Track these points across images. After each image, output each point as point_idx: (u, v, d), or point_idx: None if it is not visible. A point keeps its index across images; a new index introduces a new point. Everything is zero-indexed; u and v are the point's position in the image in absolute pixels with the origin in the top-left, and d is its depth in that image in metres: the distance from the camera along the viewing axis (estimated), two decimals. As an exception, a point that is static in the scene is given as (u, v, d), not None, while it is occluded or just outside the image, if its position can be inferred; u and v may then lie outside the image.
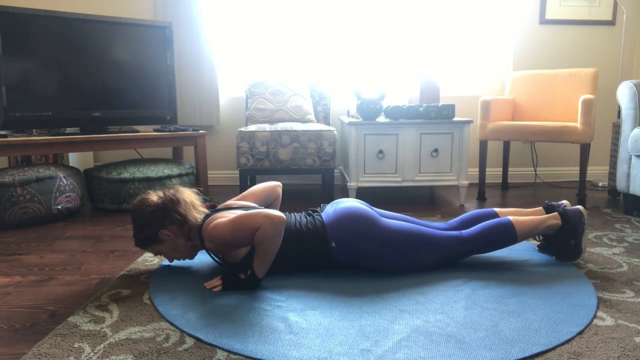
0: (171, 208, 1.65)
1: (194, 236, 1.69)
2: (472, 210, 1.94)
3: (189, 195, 1.72)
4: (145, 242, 1.68)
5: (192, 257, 1.77)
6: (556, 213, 1.80)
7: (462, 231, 1.77)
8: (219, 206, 1.80)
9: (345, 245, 1.66)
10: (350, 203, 1.75)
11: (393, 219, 1.81)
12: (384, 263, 1.69)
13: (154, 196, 1.69)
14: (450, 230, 1.85)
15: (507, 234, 1.73)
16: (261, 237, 1.51)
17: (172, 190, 1.70)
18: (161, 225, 1.65)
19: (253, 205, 1.79)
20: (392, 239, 1.67)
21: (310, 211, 1.82)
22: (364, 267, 1.73)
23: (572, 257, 1.81)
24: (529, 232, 1.76)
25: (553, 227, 1.79)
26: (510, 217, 1.76)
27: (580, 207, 1.81)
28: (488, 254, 1.91)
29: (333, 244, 1.66)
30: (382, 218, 1.72)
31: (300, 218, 1.75)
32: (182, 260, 1.77)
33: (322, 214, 1.76)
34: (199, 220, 1.68)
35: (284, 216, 1.53)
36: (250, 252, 1.62)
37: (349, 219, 1.67)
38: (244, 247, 1.61)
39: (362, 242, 1.66)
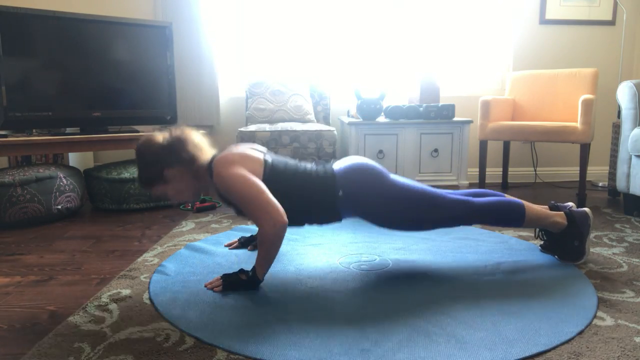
0: (178, 147, 1.63)
1: (202, 175, 1.67)
2: (481, 189, 1.93)
3: (197, 136, 1.70)
4: (150, 181, 1.65)
5: (197, 198, 1.75)
6: (562, 213, 1.81)
7: (472, 198, 1.75)
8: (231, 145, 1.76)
9: (352, 195, 1.65)
10: (361, 159, 1.74)
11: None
12: (389, 218, 1.68)
13: (160, 136, 1.66)
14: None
15: (516, 213, 1.72)
16: (262, 237, 1.51)
17: (178, 130, 1.68)
18: (167, 164, 1.62)
19: (265, 150, 1.76)
20: (399, 194, 1.65)
21: (321, 161, 1.81)
22: (368, 222, 1.71)
23: (575, 258, 1.81)
24: (536, 221, 1.76)
25: (558, 225, 1.79)
26: (522, 201, 1.77)
27: (586, 209, 1.82)
28: (488, 254, 1.91)
29: (340, 193, 1.65)
30: (392, 176, 1.72)
31: (311, 165, 1.74)
32: (186, 201, 1.73)
33: (332, 166, 1.75)
34: (206, 160, 1.67)
35: (286, 220, 1.52)
36: None
37: (359, 169, 1.67)
38: None
39: (369, 193, 1.65)
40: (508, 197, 1.80)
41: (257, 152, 1.69)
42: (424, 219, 1.69)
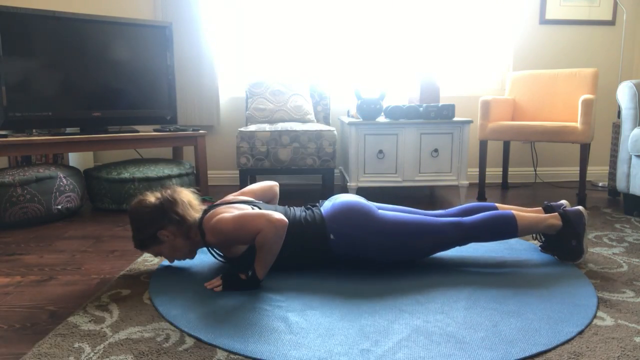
0: (169, 208, 1.66)
1: (194, 234, 1.69)
2: (472, 202, 1.94)
3: (186, 195, 1.73)
4: (145, 243, 1.68)
5: (192, 256, 1.77)
6: (557, 214, 1.80)
7: (463, 218, 1.76)
8: (218, 202, 1.80)
9: (343, 237, 1.67)
10: (347, 197, 1.77)
11: (391, 211, 1.82)
12: (382, 252, 1.70)
13: (152, 197, 1.69)
14: (449, 217, 1.85)
15: (508, 226, 1.73)
16: (262, 240, 1.51)
17: (169, 191, 1.71)
18: (159, 226, 1.65)
19: (252, 200, 1.80)
20: (388, 228, 1.68)
21: (309, 206, 1.84)
22: (363, 258, 1.73)
23: (574, 257, 1.81)
24: (530, 228, 1.76)
25: (554, 227, 1.79)
26: (513, 211, 1.77)
27: (580, 207, 1.81)
28: (489, 254, 1.91)
29: (332, 237, 1.67)
30: (379, 210, 1.74)
31: (300, 212, 1.76)
32: (182, 260, 1.77)
33: (321, 209, 1.77)
34: (197, 218, 1.69)
35: (285, 219, 1.53)
36: (250, 248, 1.63)
37: (346, 211, 1.69)
38: (245, 245, 1.62)
39: (360, 234, 1.67)
40: (499, 210, 1.80)
41: (244, 204, 1.71)
42: (417, 249, 1.72)
